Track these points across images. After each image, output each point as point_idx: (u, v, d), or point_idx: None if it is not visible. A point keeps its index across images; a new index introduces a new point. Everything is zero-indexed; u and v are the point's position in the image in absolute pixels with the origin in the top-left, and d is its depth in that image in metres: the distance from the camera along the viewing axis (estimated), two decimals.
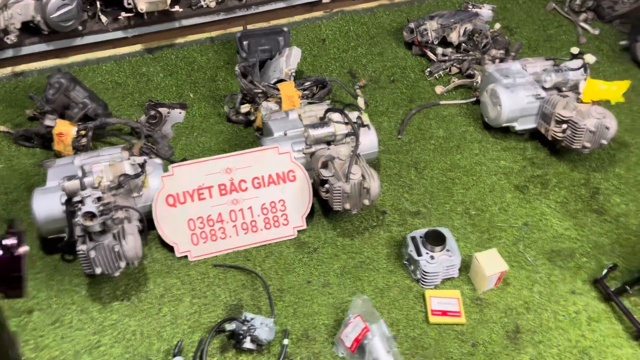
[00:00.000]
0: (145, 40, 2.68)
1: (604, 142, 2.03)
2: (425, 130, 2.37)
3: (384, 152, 2.24)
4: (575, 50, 2.17)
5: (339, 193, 1.79)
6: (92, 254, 1.56)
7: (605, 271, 1.77)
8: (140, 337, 1.67)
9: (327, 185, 1.83)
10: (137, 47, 2.67)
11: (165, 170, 1.87)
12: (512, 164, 2.22)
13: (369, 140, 2.01)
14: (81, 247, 1.57)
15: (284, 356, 1.61)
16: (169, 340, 1.66)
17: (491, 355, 1.64)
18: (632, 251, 1.89)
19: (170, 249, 1.87)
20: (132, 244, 1.61)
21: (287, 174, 1.91)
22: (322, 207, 2.03)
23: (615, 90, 1.98)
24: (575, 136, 2.03)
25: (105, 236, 1.58)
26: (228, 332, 1.65)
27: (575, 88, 2.09)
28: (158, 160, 1.91)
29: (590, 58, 2.08)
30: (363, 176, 1.80)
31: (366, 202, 1.82)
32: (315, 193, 1.95)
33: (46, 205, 1.72)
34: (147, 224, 1.80)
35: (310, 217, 1.97)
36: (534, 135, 2.29)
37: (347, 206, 1.80)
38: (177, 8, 2.61)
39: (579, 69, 2.09)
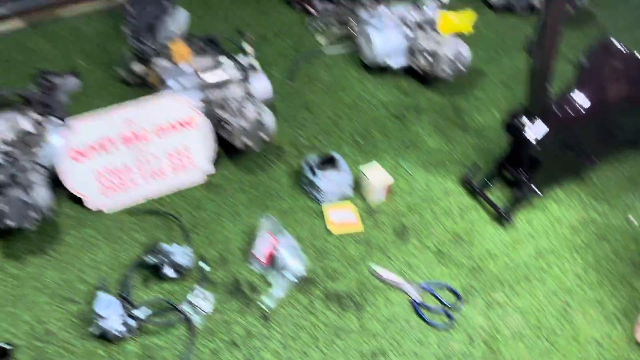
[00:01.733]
0: (27, 15, 2.65)
1: (462, 68, 2.38)
2: (313, 76, 2.59)
3: (279, 99, 2.44)
4: None
5: (239, 130, 1.96)
6: (2, 206, 1.61)
7: (468, 171, 2.11)
8: (63, 283, 1.75)
9: (226, 126, 1.99)
10: (19, 24, 2.63)
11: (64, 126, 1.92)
12: (390, 97, 2.51)
13: (262, 86, 2.19)
14: None
15: (205, 278, 1.78)
16: (91, 283, 1.76)
17: (384, 249, 1.91)
18: (490, 154, 2.25)
19: (81, 203, 1.95)
20: (42, 193, 1.68)
21: (187, 121, 2.04)
22: (226, 152, 2.20)
23: (464, 20, 2.32)
24: (437, 65, 2.35)
25: (13, 188, 1.63)
26: (149, 265, 1.78)
27: (433, 23, 2.41)
28: (57, 120, 1.96)
29: None
30: (258, 113, 1.98)
31: (264, 136, 2.01)
32: (219, 140, 2.10)
33: None
34: (54, 181, 1.87)
35: (216, 161, 2.13)
36: (406, 71, 2.60)
37: (249, 142, 1.98)
38: None
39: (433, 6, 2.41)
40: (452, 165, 2.23)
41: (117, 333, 1.58)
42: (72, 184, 1.91)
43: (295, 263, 1.78)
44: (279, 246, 1.79)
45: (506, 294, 1.81)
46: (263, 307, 1.73)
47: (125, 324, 1.60)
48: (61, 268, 1.79)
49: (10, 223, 1.64)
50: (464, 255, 1.91)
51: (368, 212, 2.03)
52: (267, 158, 2.20)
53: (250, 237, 1.91)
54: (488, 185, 2.10)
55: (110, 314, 1.59)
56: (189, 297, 1.71)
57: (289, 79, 2.55)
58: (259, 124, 1.98)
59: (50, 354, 1.59)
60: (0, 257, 1.79)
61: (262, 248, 1.81)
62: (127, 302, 1.66)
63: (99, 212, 1.95)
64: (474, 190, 2.09)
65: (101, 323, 1.58)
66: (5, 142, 1.70)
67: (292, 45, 2.75)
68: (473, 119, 2.44)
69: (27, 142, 1.76)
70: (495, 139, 2.35)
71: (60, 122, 1.97)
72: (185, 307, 1.69)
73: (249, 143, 1.97)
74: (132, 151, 1.98)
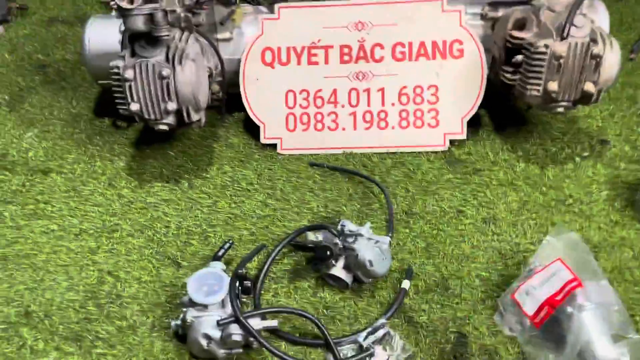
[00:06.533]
0: None
1: None
2: None
3: None
4: None
5: (543, 60, 1.01)
6: (129, 73, 0.99)
7: None
8: (176, 231, 1.05)
9: (519, 57, 1.07)
10: None
11: (270, 12, 1.26)
12: None
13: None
14: (116, 63, 1.01)
15: (399, 305, 0.86)
16: (213, 244, 1.01)
17: None
18: None
19: (254, 133, 1.25)
20: (189, 73, 1.01)
21: (450, 45, 1.19)
22: (492, 113, 1.28)
23: None
24: None
25: (155, 50, 1.00)
26: (309, 246, 0.95)
27: None
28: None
29: None
30: (592, 39, 1.01)
31: (589, 87, 1.01)
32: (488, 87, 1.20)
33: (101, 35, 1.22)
34: (229, 99, 1.21)
35: (473, 123, 1.23)
36: None
37: (553, 86, 1.02)
38: None
39: None
40: None
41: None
42: (252, 101, 1.23)
43: (611, 351, 0.73)
44: (580, 297, 0.76)
45: None
46: None
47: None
48: (184, 209, 1.09)
49: (134, 107, 1.01)
50: None
51: None
52: (571, 147, 1.19)
53: (508, 265, 0.93)
54: None
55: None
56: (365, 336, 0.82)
57: (630, 51, 1.50)
58: (589, 58, 1.00)
59: None
60: (121, 169, 1.20)
61: (538, 289, 0.79)
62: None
63: (271, 153, 1.22)
64: None
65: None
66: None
67: None
68: None
69: (206, 15, 1.15)
70: None
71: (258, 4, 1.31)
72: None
73: (554, 88, 1.00)
74: (351, 72, 1.22)
